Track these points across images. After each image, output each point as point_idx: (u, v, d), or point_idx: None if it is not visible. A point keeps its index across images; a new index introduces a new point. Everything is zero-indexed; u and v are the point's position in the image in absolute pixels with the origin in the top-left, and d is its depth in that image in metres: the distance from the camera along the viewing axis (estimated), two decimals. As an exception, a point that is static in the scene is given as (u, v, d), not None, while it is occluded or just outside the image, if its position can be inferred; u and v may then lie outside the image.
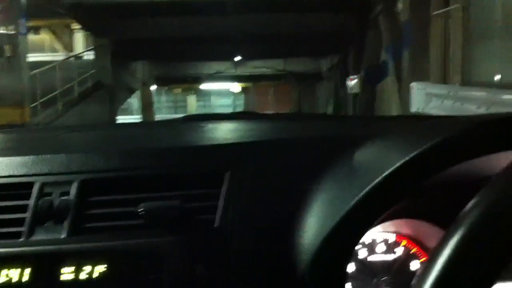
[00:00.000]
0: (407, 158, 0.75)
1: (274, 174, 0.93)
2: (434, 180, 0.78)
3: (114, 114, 14.35)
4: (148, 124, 1.95)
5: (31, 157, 0.97)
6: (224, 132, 1.28)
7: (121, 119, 20.54)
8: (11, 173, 0.95)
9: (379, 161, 0.85)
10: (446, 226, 0.93)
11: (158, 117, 25.23)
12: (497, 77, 6.13)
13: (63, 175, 0.94)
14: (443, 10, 7.75)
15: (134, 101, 27.53)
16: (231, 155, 0.98)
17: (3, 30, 8.72)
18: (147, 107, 21.45)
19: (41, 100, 9.77)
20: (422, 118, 1.89)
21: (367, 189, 0.76)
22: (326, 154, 0.95)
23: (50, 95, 10.32)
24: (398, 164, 0.75)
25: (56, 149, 1.12)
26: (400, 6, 9.91)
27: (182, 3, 11.69)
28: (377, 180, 0.76)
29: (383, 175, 0.76)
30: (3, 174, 0.95)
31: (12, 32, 8.79)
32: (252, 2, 11.78)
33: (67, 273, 0.83)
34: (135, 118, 26.06)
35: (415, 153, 0.75)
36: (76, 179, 0.92)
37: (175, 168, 0.96)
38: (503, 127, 0.74)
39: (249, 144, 1.04)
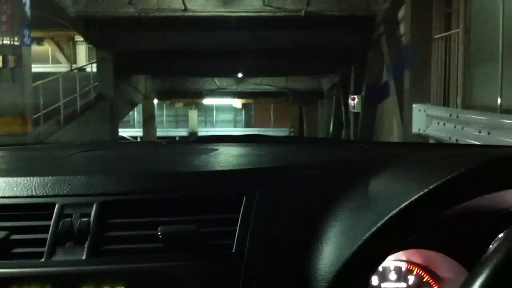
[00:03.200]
0: (424, 191, 0.77)
1: (290, 200, 0.95)
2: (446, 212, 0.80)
3: (115, 127, 14.36)
4: (158, 144, 1.96)
5: (51, 177, 0.99)
6: (236, 156, 1.29)
7: (122, 131, 20.58)
8: (32, 194, 0.96)
9: (395, 191, 0.87)
10: (457, 256, 0.95)
11: (159, 130, 25.26)
12: (498, 101, 6.17)
13: (82, 196, 0.95)
14: (445, 33, 7.81)
15: (136, 114, 27.60)
16: (247, 181, 0.99)
17: (8, 40, 8.74)
18: (148, 120, 21.47)
19: (43, 111, 9.79)
20: (436, 147, 1.91)
21: (383, 220, 0.78)
22: (342, 181, 0.97)
23: (53, 106, 10.34)
24: (415, 197, 0.77)
25: (73, 170, 1.14)
26: (402, 28, 9.99)
27: (185, 18, 11.76)
28: (393, 212, 0.78)
29: (400, 207, 0.77)
30: (23, 194, 0.96)
31: (16, 43, 8.80)
32: (255, 20, 11.85)
33: None
34: (137, 131, 26.11)
35: (432, 186, 0.77)
36: (95, 201, 0.94)
37: (192, 192, 0.97)
38: None
39: (264, 170, 1.05)
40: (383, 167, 0.98)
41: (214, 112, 32.94)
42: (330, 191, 0.95)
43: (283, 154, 1.37)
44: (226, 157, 1.27)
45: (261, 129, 29.88)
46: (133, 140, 22.90)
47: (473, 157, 0.89)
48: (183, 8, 11.41)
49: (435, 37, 8.09)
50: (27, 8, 8.96)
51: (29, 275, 0.85)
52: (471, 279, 0.57)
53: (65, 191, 0.96)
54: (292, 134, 26.54)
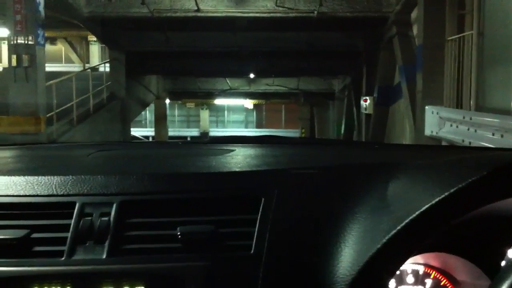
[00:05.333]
0: (444, 195, 0.77)
1: (308, 201, 0.95)
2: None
3: (127, 126, 14.42)
4: (174, 144, 1.96)
5: (71, 177, 1.00)
6: (253, 157, 1.30)
7: (134, 131, 20.65)
8: (52, 193, 0.97)
9: (413, 194, 0.87)
10: (474, 259, 0.95)
11: (171, 130, 25.32)
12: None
13: (103, 196, 0.96)
14: (458, 35, 7.76)
15: (148, 114, 27.69)
16: (265, 182, 0.99)
17: (22, 40, 8.81)
18: (160, 120, 21.53)
19: (57, 110, 9.85)
20: (451, 149, 1.90)
21: (403, 223, 0.78)
22: (359, 183, 0.97)
23: (66, 106, 10.40)
24: (434, 201, 0.77)
25: (92, 170, 1.15)
26: (414, 30, 9.94)
27: (198, 19, 11.79)
28: (413, 216, 0.77)
29: (419, 211, 0.77)
30: (44, 193, 0.97)
31: (30, 43, 8.87)
32: (268, 20, 11.86)
33: None
34: (149, 131, 26.20)
35: (451, 190, 0.77)
36: (115, 200, 0.95)
37: (211, 193, 0.98)
38: None
39: (282, 171, 1.06)
40: (400, 169, 0.98)
41: (226, 112, 32.99)
42: (348, 193, 0.95)
43: (299, 156, 1.37)
44: (243, 158, 1.27)
45: (272, 130, 29.88)
46: (145, 139, 23.00)
47: (491, 161, 0.89)
48: (195, 8, 11.43)
49: (448, 38, 8.05)
50: (41, 8, 9.03)
51: (49, 274, 0.86)
52: (498, 283, 0.57)
53: (85, 190, 0.97)
54: (303, 135, 26.49)
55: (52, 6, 10.00)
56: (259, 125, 32.77)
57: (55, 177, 1.00)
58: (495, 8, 6.87)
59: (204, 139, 2.00)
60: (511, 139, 5.26)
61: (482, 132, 5.97)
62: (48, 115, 9.36)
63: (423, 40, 8.62)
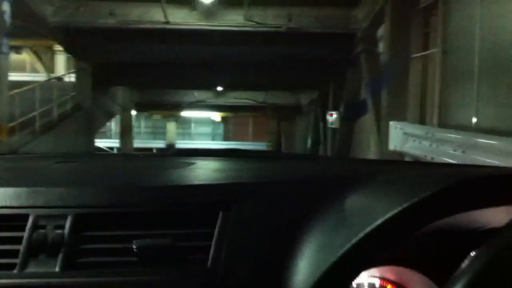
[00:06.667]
0: (399, 209, 0.78)
1: (266, 216, 0.95)
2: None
3: (92, 137, 14.24)
4: (136, 156, 1.95)
5: (26, 189, 0.98)
6: (214, 171, 1.30)
7: (99, 142, 20.40)
8: (6, 204, 0.95)
9: (370, 207, 0.88)
10: (430, 273, 0.96)
11: (137, 142, 25.09)
12: (473, 120, 6.27)
13: (57, 208, 0.94)
14: (423, 53, 7.93)
15: (113, 125, 27.39)
16: (223, 196, 0.99)
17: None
18: (126, 132, 21.31)
19: (19, 120, 9.67)
20: (412, 165, 1.93)
21: (358, 237, 0.78)
22: (317, 196, 0.98)
23: (29, 115, 10.23)
24: (388, 215, 0.78)
25: (49, 182, 1.13)
26: (381, 47, 10.12)
27: (167, 31, 11.77)
28: (367, 230, 0.78)
29: (375, 223, 0.78)
30: None
31: (-6, 52, 8.72)
32: (237, 34, 11.92)
33: None
34: (113, 142, 25.91)
35: (405, 205, 0.78)
36: (70, 213, 0.93)
37: (168, 206, 0.97)
38: (497, 184, 0.78)
39: (241, 185, 1.05)
40: (362, 184, 0.99)
41: (193, 124, 32.90)
42: (306, 207, 0.95)
43: (261, 170, 1.38)
44: (204, 171, 1.27)
45: (239, 142, 29.89)
46: (109, 151, 22.71)
47: (449, 176, 0.91)
48: (164, 20, 11.41)
49: (413, 56, 8.21)
50: (7, 17, 8.89)
51: (1, 287, 0.84)
52: None
53: (40, 203, 0.95)
54: (270, 148, 26.57)
55: (18, 15, 9.85)
56: (226, 138, 32.78)
57: (10, 188, 0.98)
58: (459, 27, 7.05)
59: (168, 152, 1.99)
60: (472, 155, 5.37)
61: (444, 148, 6.09)
62: (10, 125, 9.18)
63: (388, 56, 8.79)
